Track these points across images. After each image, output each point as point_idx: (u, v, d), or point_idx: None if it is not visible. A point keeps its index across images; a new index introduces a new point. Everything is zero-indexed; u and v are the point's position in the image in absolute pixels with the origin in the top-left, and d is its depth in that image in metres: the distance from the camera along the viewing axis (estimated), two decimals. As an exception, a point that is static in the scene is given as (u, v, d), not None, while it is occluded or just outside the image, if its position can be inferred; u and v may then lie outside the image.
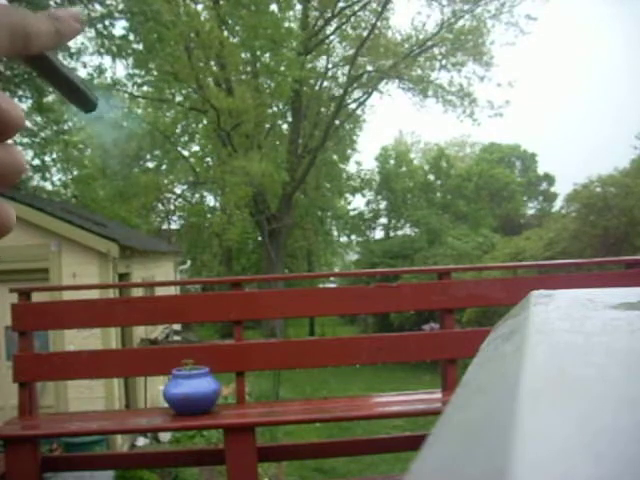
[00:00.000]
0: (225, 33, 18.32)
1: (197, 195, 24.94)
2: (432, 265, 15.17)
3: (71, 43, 11.18)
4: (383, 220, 32.65)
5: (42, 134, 13.18)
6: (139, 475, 6.48)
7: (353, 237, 32.29)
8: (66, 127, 13.71)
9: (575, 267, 7.76)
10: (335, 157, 25.23)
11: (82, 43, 11.69)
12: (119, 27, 11.70)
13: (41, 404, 3.58)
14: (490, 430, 0.41)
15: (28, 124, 13.29)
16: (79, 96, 0.48)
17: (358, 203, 33.46)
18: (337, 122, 21.80)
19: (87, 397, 7.22)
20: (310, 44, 20.28)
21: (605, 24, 57.30)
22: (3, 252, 7.50)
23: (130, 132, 20.07)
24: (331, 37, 22.03)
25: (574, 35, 55.53)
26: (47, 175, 16.09)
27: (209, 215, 22.67)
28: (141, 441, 8.29)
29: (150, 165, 23.47)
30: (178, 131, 22.47)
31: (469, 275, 10.67)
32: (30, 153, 14.54)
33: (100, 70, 12.66)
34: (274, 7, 18.55)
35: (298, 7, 20.97)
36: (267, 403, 5.10)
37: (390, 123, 54.82)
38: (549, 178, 33.15)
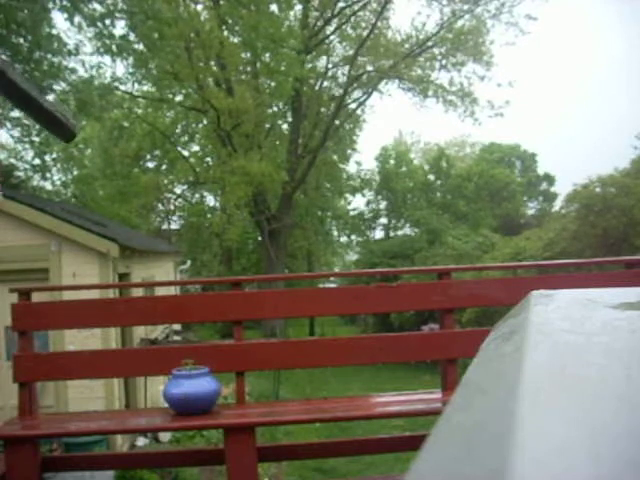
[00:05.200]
0: (225, 33, 18.32)
1: (197, 195, 24.95)
2: (432, 265, 15.17)
3: (69, 40, 11.19)
4: (383, 220, 32.65)
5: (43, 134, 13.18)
6: (139, 475, 6.48)
7: (353, 237, 32.28)
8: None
9: (575, 267, 7.76)
10: (335, 157, 25.21)
11: (80, 41, 11.69)
12: (119, 27, 11.71)
13: (41, 404, 3.58)
14: (490, 430, 0.41)
15: (28, 124, 13.30)
16: (57, 126, 0.48)
17: (358, 203, 33.40)
18: (337, 122, 21.79)
19: (87, 397, 7.22)
20: (310, 44, 20.27)
21: (605, 23, 57.29)
22: (3, 252, 7.50)
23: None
24: (331, 37, 22.03)
25: (574, 34, 55.55)
26: (47, 175, 16.10)
27: (209, 215, 22.67)
28: (141, 441, 8.29)
29: (150, 165, 23.47)
30: (178, 131, 22.48)
31: (469, 275, 10.67)
32: (30, 153, 14.55)
33: (99, 67, 12.66)
34: (274, 7, 18.55)
35: (298, 7, 20.97)
36: (267, 403, 5.10)
37: (390, 123, 54.77)
38: (549, 178, 33.15)
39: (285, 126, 23.32)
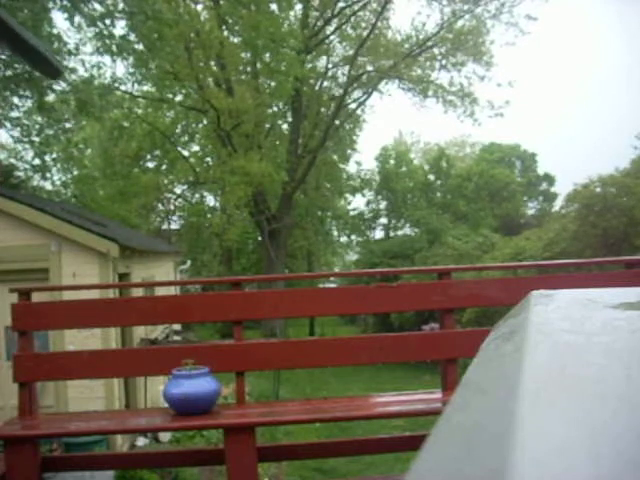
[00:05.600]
0: (225, 33, 18.31)
1: (197, 195, 24.94)
2: (432, 265, 15.17)
3: (69, 40, 11.20)
4: (383, 220, 32.63)
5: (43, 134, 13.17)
6: (139, 475, 6.48)
7: (353, 237, 32.27)
8: (67, 126, 13.71)
9: (575, 267, 7.76)
10: (335, 157, 25.22)
11: (80, 39, 11.70)
12: (119, 27, 11.72)
13: (41, 404, 3.58)
14: (490, 430, 0.41)
15: (28, 124, 13.30)
16: (44, 64, 0.49)
17: (358, 203, 33.37)
18: (337, 122, 21.79)
19: (87, 397, 7.21)
20: (310, 44, 20.27)
21: (606, 23, 57.32)
22: (3, 252, 7.50)
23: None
24: (331, 37, 22.03)
25: (574, 34, 55.57)
26: (47, 175, 16.10)
27: (209, 215, 22.66)
28: (141, 441, 8.29)
29: (150, 165, 23.47)
30: (178, 131, 22.47)
31: (469, 275, 10.67)
32: (30, 153, 14.54)
33: (99, 67, 12.67)
34: (274, 7, 18.56)
35: (298, 7, 20.98)
36: (267, 403, 5.10)
37: (390, 123, 54.78)
38: (549, 178, 33.12)
39: (285, 126, 23.32)
